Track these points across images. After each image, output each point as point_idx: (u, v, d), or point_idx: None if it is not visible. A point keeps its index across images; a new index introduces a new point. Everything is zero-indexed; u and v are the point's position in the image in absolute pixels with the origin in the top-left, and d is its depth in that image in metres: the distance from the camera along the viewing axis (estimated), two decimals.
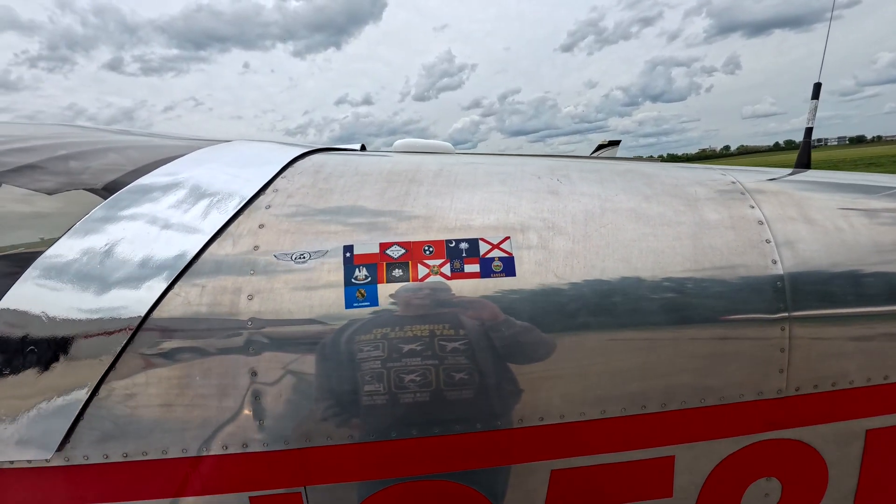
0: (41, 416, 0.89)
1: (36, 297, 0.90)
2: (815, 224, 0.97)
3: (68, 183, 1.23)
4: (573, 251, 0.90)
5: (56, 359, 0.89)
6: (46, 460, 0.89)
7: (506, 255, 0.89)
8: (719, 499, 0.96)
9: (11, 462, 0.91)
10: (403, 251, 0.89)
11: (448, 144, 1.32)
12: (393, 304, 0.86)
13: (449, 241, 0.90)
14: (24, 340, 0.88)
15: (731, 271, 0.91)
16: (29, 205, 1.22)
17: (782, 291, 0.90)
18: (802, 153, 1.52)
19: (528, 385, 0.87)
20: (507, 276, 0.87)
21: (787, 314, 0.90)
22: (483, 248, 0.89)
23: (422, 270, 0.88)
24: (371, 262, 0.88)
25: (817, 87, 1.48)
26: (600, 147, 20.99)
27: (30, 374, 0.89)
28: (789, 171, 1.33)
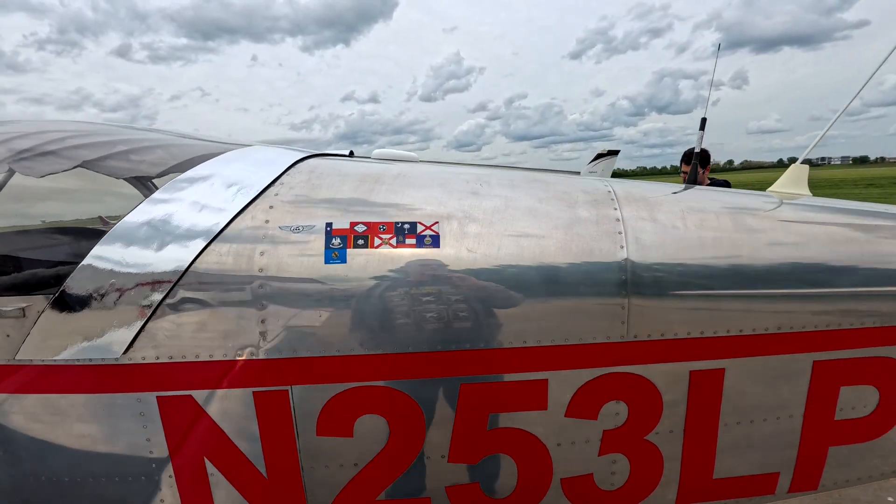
0: (116, 330, 1.32)
1: (118, 250, 1.33)
2: (657, 222, 1.38)
3: (130, 170, 1.67)
4: (480, 234, 1.31)
5: (125, 293, 1.32)
6: (116, 358, 1.32)
7: (434, 234, 1.31)
8: (581, 413, 1.36)
9: (91, 360, 1.33)
10: (365, 227, 1.31)
11: (413, 154, 1.74)
12: (355, 261, 1.28)
13: (397, 223, 1.32)
14: (109, 280, 1.31)
15: (590, 253, 1.32)
16: (101, 185, 1.66)
17: (626, 268, 1.31)
18: (692, 173, 1.92)
19: (446, 318, 1.28)
20: (433, 247, 1.29)
21: (627, 282, 1.30)
22: (419, 228, 1.31)
23: (376, 241, 1.30)
24: (343, 234, 1.30)
25: (703, 121, 1.88)
26: (599, 156, 21.32)
27: (109, 303, 1.32)
28: (681, 186, 1.74)
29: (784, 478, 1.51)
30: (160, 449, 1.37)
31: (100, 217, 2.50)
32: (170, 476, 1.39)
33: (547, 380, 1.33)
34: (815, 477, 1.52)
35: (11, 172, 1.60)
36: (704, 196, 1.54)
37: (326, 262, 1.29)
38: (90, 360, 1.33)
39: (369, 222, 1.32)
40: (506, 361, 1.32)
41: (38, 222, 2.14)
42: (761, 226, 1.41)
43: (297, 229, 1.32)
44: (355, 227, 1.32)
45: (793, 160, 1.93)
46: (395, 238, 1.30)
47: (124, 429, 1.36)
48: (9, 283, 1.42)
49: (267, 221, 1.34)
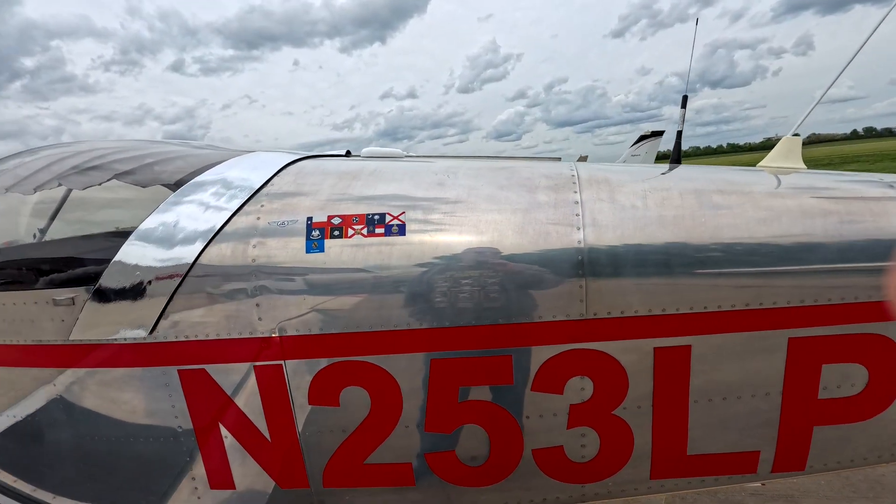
0: (141, 314, 1.57)
1: (140, 248, 1.58)
2: (616, 203, 1.42)
3: (154, 179, 1.94)
4: (443, 220, 1.42)
5: (149, 284, 1.56)
6: (143, 337, 1.57)
7: (401, 223, 1.43)
8: (547, 388, 1.44)
9: (125, 339, 1.59)
10: (340, 220, 1.46)
11: (399, 151, 1.87)
12: (332, 250, 1.43)
13: (368, 214, 1.46)
14: (134, 274, 1.56)
15: (547, 235, 1.39)
16: (129, 193, 1.94)
17: (582, 249, 1.37)
18: (674, 152, 1.90)
19: (413, 299, 1.41)
20: (399, 235, 1.42)
21: (583, 262, 1.36)
22: (388, 218, 1.45)
23: (350, 231, 1.45)
24: (321, 227, 1.47)
25: (685, 99, 1.85)
26: (643, 138, 20.35)
27: (135, 293, 1.57)
28: (661, 167, 1.75)
29: (766, 457, 1.49)
30: (183, 414, 1.62)
31: (117, 228, 2.85)
32: (192, 438, 1.64)
33: (511, 356, 1.42)
34: (800, 457, 1.50)
35: (66, 188, 1.91)
36: (674, 175, 1.55)
37: (307, 251, 1.45)
38: (125, 339, 1.60)
39: (344, 215, 1.48)
40: (471, 338, 1.42)
41: (79, 227, 2.51)
42: (728, 202, 1.41)
43: (282, 224, 1.50)
44: (332, 220, 1.47)
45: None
46: (366, 228, 1.44)
47: (154, 397, 1.62)
48: (63, 279, 1.72)
49: (258, 218, 1.53)
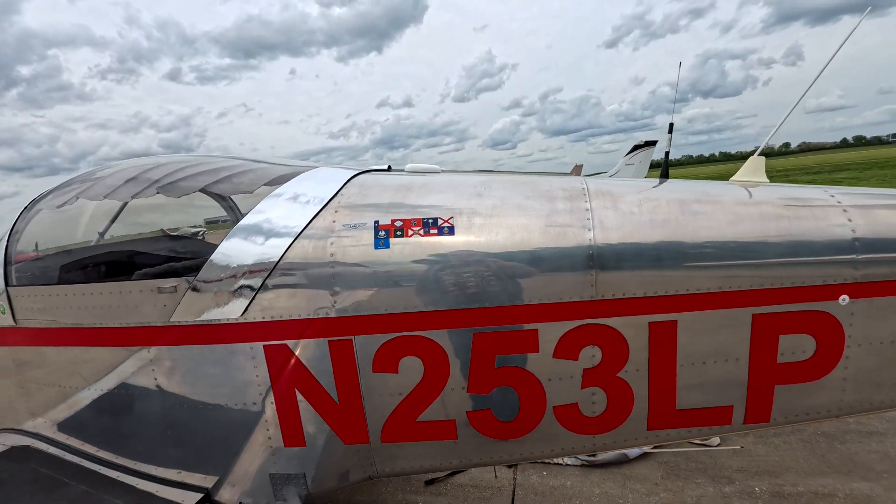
0: (235, 300, 1.93)
1: (235, 245, 1.95)
2: (618, 210, 1.82)
3: (232, 189, 2.32)
4: (483, 224, 1.82)
5: (243, 275, 1.93)
6: (236, 318, 1.93)
7: (450, 225, 1.83)
8: (565, 355, 1.82)
9: (219, 320, 1.96)
10: (401, 223, 1.85)
11: (436, 167, 2.27)
12: (395, 247, 1.82)
13: (424, 218, 1.85)
14: (231, 267, 1.93)
15: (565, 235, 1.78)
16: (224, 201, 2.32)
17: (592, 246, 1.76)
18: (663, 169, 2.32)
19: (461, 285, 1.79)
20: (450, 235, 1.81)
21: (593, 256, 1.75)
22: (440, 222, 1.84)
23: (410, 232, 1.84)
24: (386, 228, 1.85)
25: (671, 126, 2.28)
26: (636, 148, 21.04)
27: (231, 282, 1.93)
28: (652, 181, 2.16)
29: (738, 411, 1.87)
30: (264, 383, 1.98)
31: (161, 230, 3.25)
32: (271, 403, 2.00)
33: (537, 330, 1.81)
34: (765, 411, 1.88)
35: (159, 195, 2.28)
36: (663, 188, 1.96)
37: (375, 248, 1.84)
38: (219, 320, 1.96)
39: (404, 219, 1.87)
40: (506, 316, 1.81)
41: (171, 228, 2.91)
42: (703, 209, 1.81)
43: (354, 226, 1.89)
44: (395, 223, 1.86)
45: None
46: (422, 230, 1.83)
47: (241, 368, 1.98)
48: (165, 270, 2.08)
49: (334, 222, 1.92)
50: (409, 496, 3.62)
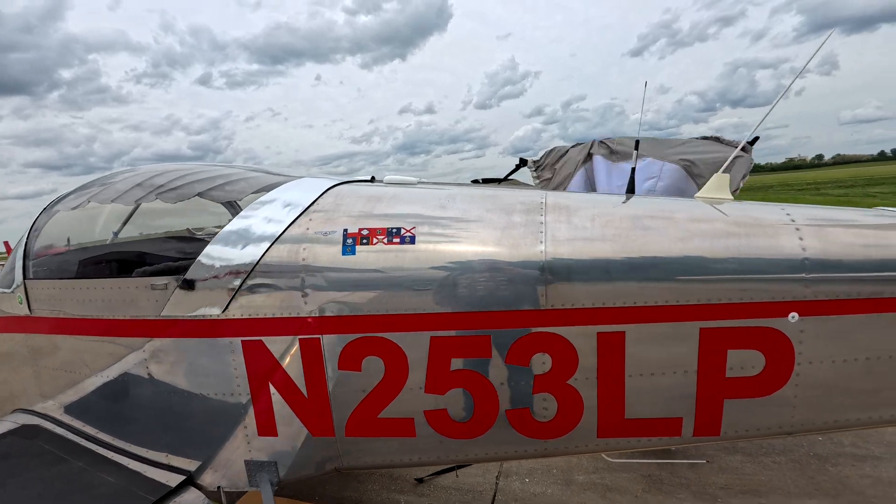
0: (218, 298, 2.11)
1: (220, 248, 2.13)
2: (571, 224, 1.91)
3: (224, 196, 2.51)
4: (443, 234, 1.94)
5: (224, 276, 2.11)
6: (218, 315, 2.11)
7: (412, 234, 1.96)
8: (517, 361, 1.91)
9: (204, 316, 2.14)
10: (368, 231, 2.00)
11: (413, 178, 2.41)
12: (361, 254, 1.96)
13: (389, 228, 1.99)
14: (214, 269, 2.11)
15: (518, 247, 1.88)
16: (208, 207, 2.52)
17: (544, 258, 1.86)
18: (629, 185, 2.39)
19: (420, 291, 1.91)
20: (412, 243, 1.94)
21: (545, 267, 1.85)
22: (403, 231, 1.97)
23: (375, 240, 1.97)
24: (354, 236, 2.00)
25: (637, 143, 2.35)
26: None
27: (214, 282, 2.11)
28: (620, 196, 2.24)
29: (687, 423, 1.92)
30: (242, 375, 2.14)
31: (187, 229, 3.51)
32: (247, 394, 2.16)
33: (490, 335, 1.91)
34: (715, 424, 1.92)
35: (151, 199, 2.50)
36: (624, 204, 2.04)
37: (343, 254, 1.99)
38: (203, 316, 2.14)
39: (371, 228, 2.01)
40: (461, 322, 1.92)
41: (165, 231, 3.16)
42: (655, 225, 1.88)
43: (325, 233, 2.04)
44: (361, 231, 2.01)
45: None
46: (386, 238, 1.97)
47: (221, 361, 2.15)
48: (160, 269, 2.29)
49: (308, 229, 2.08)
50: (393, 495, 3.74)
